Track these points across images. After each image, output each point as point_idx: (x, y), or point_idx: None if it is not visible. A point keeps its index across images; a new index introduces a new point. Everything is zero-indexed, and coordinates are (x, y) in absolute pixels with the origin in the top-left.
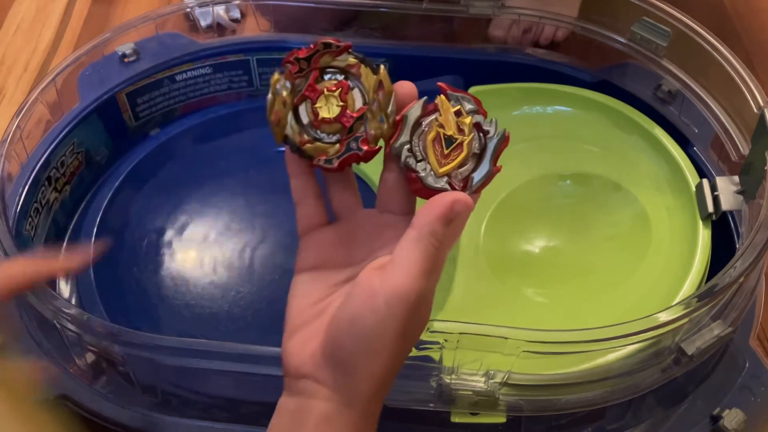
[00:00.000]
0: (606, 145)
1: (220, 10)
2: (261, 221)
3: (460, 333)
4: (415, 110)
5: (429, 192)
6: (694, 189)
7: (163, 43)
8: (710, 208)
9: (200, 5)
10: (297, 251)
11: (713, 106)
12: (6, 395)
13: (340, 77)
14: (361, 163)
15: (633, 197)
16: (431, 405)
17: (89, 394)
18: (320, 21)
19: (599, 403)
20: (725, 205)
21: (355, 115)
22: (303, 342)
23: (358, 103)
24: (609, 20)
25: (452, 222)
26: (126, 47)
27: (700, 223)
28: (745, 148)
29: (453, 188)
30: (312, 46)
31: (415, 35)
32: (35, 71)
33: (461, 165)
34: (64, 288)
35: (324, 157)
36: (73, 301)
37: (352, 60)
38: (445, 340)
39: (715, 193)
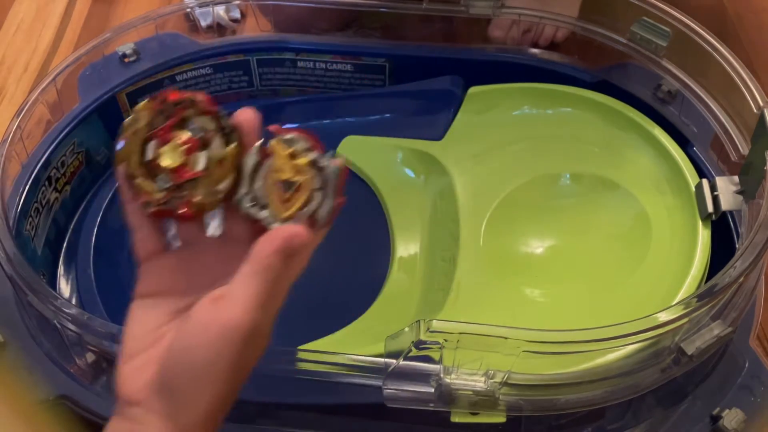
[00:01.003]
0: (606, 145)
1: (220, 10)
2: None
3: (460, 333)
4: (250, 158)
5: None
6: (693, 189)
7: (163, 43)
8: (710, 208)
9: (200, 5)
10: (137, 276)
11: (713, 106)
12: (6, 395)
13: (200, 134)
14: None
15: (633, 197)
16: (431, 405)
17: (89, 394)
18: (320, 21)
19: (599, 403)
20: (725, 205)
21: (188, 176)
22: (138, 369)
23: (200, 167)
24: (609, 20)
25: (290, 256)
26: (126, 47)
27: (700, 223)
28: (744, 148)
29: None
30: (187, 95)
31: (415, 35)
32: (35, 71)
33: (304, 205)
34: (65, 288)
35: (146, 199)
36: (73, 301)
37: (210, 125)
38: (445, 340)
39: (715, 193)
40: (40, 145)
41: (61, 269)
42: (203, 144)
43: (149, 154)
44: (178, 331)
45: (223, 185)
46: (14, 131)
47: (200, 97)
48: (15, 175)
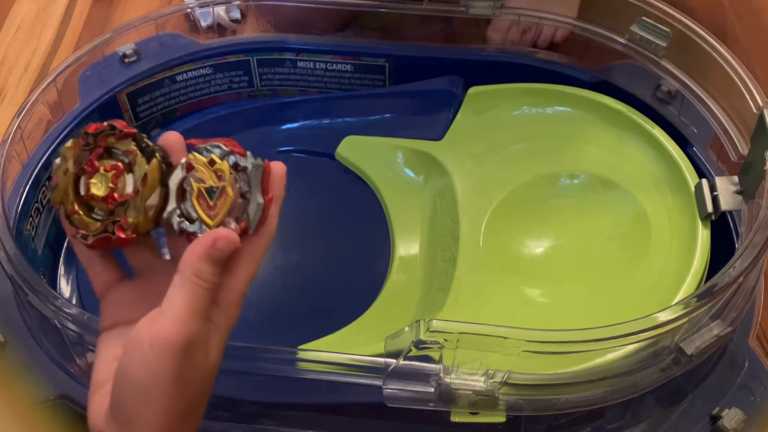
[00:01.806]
0: (606, 145)
1: (220, 10)
2: None
3: (460, 333)
4: (175, 176)
5: None
6: (693, 189)
7: (163, 43)
8: (709, 208)
9: (200, 5)
10: (100, 311)
11: (712, 107)
12: (6, 395)
13: (123, 158)
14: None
15: (633, 197)
16: (431, 405)
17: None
18: (320, 21)
19: (599, 403)
20: (724, 205)
21: (118, 199)
22: (101, 400)
23: (129, 189)
24: (608, 20)
25: (219, 260)
26: (126, 47)
27: (700, 223)
28: (744, 148)
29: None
30: (104, 123)
31: (415, 35)
32: (36, 71)
33: (232, 209)
34: (65, 288)
35: (83, 232)
36: (73, 301)
37: (132, 147)
38: (445, 340)
39: (715, 193)
40: (41, 145)
41: (61, 269)
42: (129, 167)
43: (82, 189)
44: (120, 356)
45: (151, 201)
46: (14, 131)
47: (117, 122)
48: (15, 175)
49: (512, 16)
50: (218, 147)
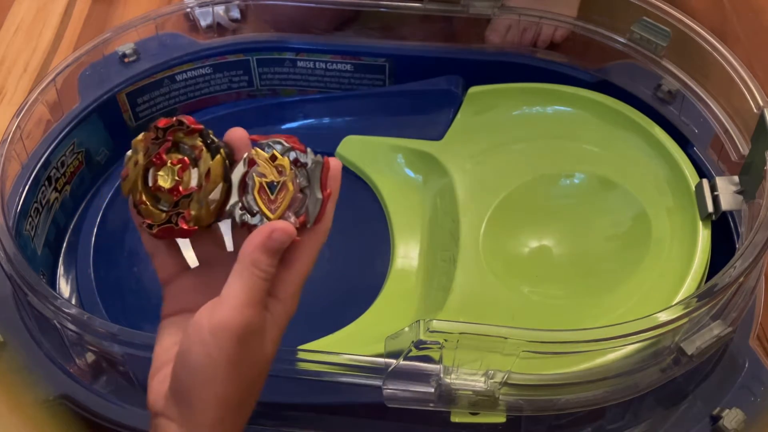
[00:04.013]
0: (606, 145)
1: (220, 10)
2: None
3: (460, 333)
4: (237, 170)
5: None
6: (693, 189)
7: (163, 43)
8: (710, 208)
9: (200, 5)
10: (163, 298)
11: (713, 106)
12: (6, 395)
13: (190, 153)
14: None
15: (633, 197)
16: (431, 405)
17: (89, 394)
18: (320, 21)
19: (599, 403)
20: (725, 205)
21: (183, 192)
22: (161, 382)
23: (194, 182)
24: (608, 20)
25: (277, 251)
26: (126, 47)
27: (700, 223)
28: (744, 148)
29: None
30: (173, 118)
31: (415, 35)
32: (35, 71)
33: (292, 204)
34: (64, 288)
35: (149, 222)
36: (73, 301)
37: (198, 142)
38: (445, 340)
39: (715, 193)
40: (40, 145)
41: (61, 269)
42: (195, 162)
43: (150, 181)
44: (181, 338)
45: (213, 195)
46: (14, 131)
47: (186, 118)
48: (15, 175)
49: (512, 15)
50: (280, 143)
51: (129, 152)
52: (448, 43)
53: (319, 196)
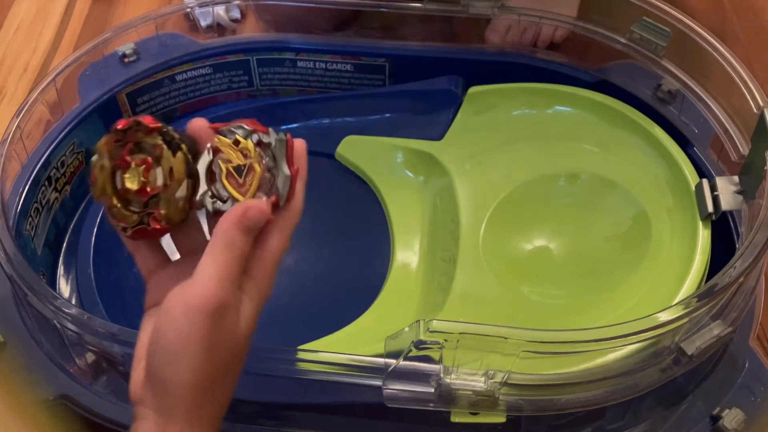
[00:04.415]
0: (606, 145)
1: (220, 10)
2: None
3: (460, 333)
4: (203, 160)
5: None
6: (693, 189)
7: (163, 43)
8: (710, 208)
9: (200, 5)
10: (145, 291)
11: (713, 106)
12: (6, 395)
13: (152, 152)
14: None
15: (633, 197)
16: (431, 405)
17: (89, 394)
18: (320, 21)
19: (599, 403)
20: (725, 205)
21: (151, 192)
22: (140, 371)
23: (159, 182)
24: (608, 20)
25: (251, 229)
26: (126, 47)
27: (700, 223)
28: (744, 148)
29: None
30: (131, 119)
31: (415, 35)
32: (35, 71)
33: (261, 184)
34: (64, 288)
35: (123, 224)
36: (73, 301)
37: (158, 141)
38: (445, 340)
39: (715, 193)
40: (40, 145)
41: (61, 269)
42: (158, 161)
43: (118, 184)
44: (156, 320)
45: (179, 193)
46: (14, 131)
47: (144, 118)
48: (15, 175)
49: (512, 15)
50: (241, 127)
51: (94, 157)
52: (448, 43)
53: (287, 172)
